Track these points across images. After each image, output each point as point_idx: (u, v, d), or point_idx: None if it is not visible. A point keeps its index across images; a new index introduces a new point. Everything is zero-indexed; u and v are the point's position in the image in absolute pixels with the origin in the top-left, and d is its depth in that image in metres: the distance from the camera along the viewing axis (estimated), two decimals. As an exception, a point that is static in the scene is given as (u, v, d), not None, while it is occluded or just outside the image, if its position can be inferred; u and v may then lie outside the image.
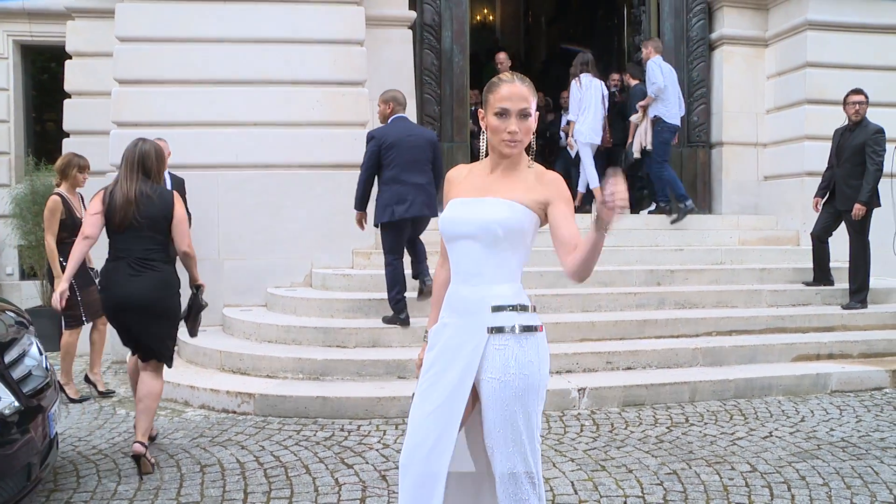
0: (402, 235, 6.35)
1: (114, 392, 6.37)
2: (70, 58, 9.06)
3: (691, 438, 5.02)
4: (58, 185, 6.28)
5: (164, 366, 4.72)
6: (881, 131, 7.41)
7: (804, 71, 8.87)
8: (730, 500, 3.99)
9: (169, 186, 6.14)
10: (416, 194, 6.20)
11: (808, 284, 7.77)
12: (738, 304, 7.44)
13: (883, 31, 8.94)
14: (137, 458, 4.37)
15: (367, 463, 4.56)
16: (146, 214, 4.48)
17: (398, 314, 6.40)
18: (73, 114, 8.97)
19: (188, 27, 7.66)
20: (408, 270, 6.54)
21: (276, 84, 7.52)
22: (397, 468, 4.35)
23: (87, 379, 6.40)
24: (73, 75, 9.00)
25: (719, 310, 7.31)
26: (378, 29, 8.52)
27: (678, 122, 8.87)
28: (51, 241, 6.00)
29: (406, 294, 6.43)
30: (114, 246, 4.57)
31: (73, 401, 6.07)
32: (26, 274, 9.62)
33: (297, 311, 6.98)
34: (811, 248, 7.83)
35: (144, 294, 4.46)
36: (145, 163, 4.56)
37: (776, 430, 5.22)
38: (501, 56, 8.94)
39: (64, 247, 5.84)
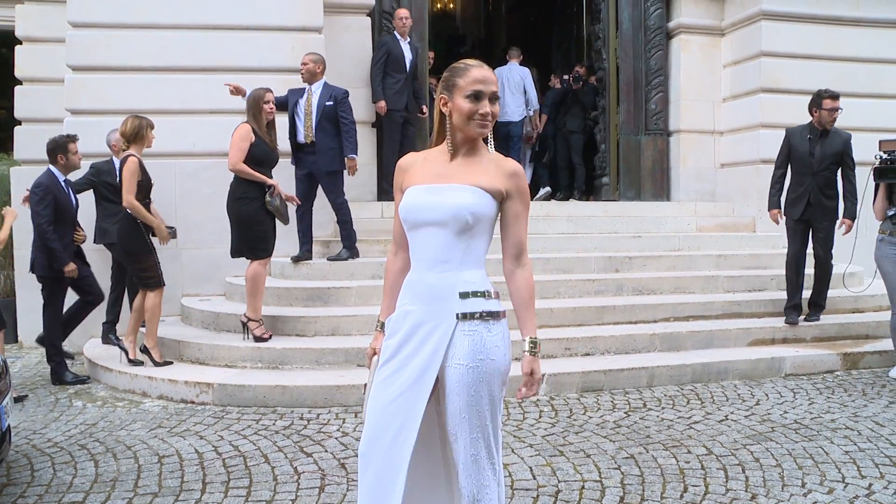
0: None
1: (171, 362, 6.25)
2: (20, 43, 8.87)
3: (649, 423, 5.07)
4: (125, 149, 6.14)
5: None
6: (850, 137, 6.95)
7: (759, 60, 8.99)
8: (686, 483, 4.05)
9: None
10: None
11: (790, 322, 6.97)
12: (695, 289, 7.52)
13: (833, 23, 9.10)
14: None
15: (327, 451, 4.55)
16: None
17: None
18: (24, 101, 8.81)
19: (143, 13, 7.52)
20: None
21: (233, 71, 7.39)
22: (356, 456, 4.34)
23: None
24: (24, 61, 8.83)
25: (677, 296, 7.39)
26: (337, 16, 8.46)
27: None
28: (131, 199, 5.93)
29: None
30: None
31: (157, 364, 6.07)
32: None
33: None
34: (784, 273, 7.11)
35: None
36: None
37: (732, 413, 5.30)
38: (402, 12, 8.76)
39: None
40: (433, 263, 2.50)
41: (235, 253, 6.25)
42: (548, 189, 10.49)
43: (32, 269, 6.38)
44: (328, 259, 7.32)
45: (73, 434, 4.98)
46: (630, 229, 8.68)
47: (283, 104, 7.01)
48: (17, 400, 5.73)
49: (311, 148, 7.03)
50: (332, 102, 7.00)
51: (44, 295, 6.38)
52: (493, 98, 2.49)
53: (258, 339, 6.14)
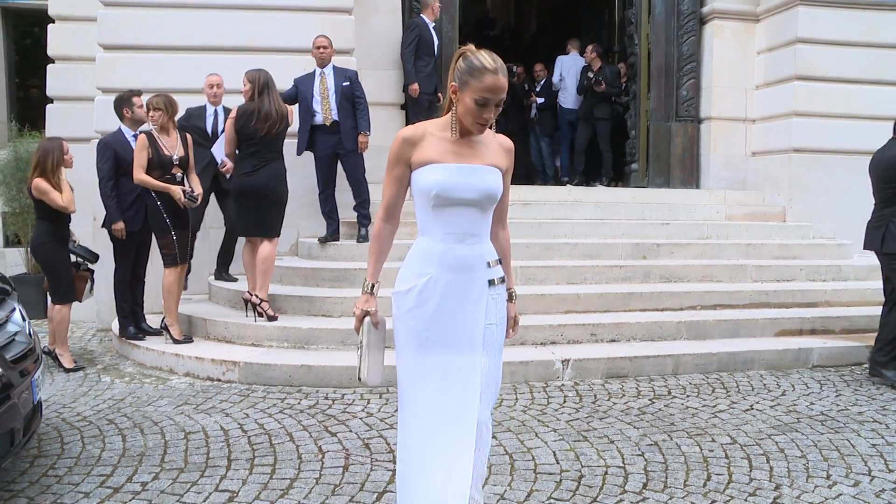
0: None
1: (190, 339, 6.34)
2: (53, 22, 8.94)
3: (673, 411, 5.07)
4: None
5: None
6: None
7: (794, 47, 8.85)
8: (710, 471, 4.05)
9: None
10: None
11: (876, 375, 5.87)
12: (723, 278, 7.48)
13: (872, 7, 8.88)
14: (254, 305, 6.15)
15: (351, 431, 4.59)
16: None
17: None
18: (56, 79, 8.88)
19: (173, -9, 7.57)
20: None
21: (261, 51, 7.44)
22: (380, 437, 4.43)
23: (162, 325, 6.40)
24: (57, 40, 8.90)
25: (704, 284, 7.35)
26: (366, -3, 8.46)
27: None
28: (140, 175, 6.05)
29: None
30: None
31: (176, 341, 6.19)
32: (10, 241, 9.56)
33: (282, 280, 6.97)
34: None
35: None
36: None
37: (757, 403, 5.28)
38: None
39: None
40: (464, 237, 2.72)
41: (257, 230, 6.36)
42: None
43: (104, 224, 6.48)
44: (358, 240, 7.40)
45: (101, 409, 5.07)
46: (658, 216, 8.62)
47: (292, 96, 7.21)
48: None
49: (333, 128, 7.19)
50: (348, 83, 7.18)
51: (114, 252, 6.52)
52: (499, 104, 2.66)
53: (271, 318, 6.24)
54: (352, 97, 7.19)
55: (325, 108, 7.18)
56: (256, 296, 6.25)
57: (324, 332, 6.09)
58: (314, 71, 7.27)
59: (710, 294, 7.07)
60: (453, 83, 2.66)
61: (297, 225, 7.63)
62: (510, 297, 2.93)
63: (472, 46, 2.71)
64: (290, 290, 6.78)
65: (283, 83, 6.99)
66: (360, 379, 2.86)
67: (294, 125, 6.96)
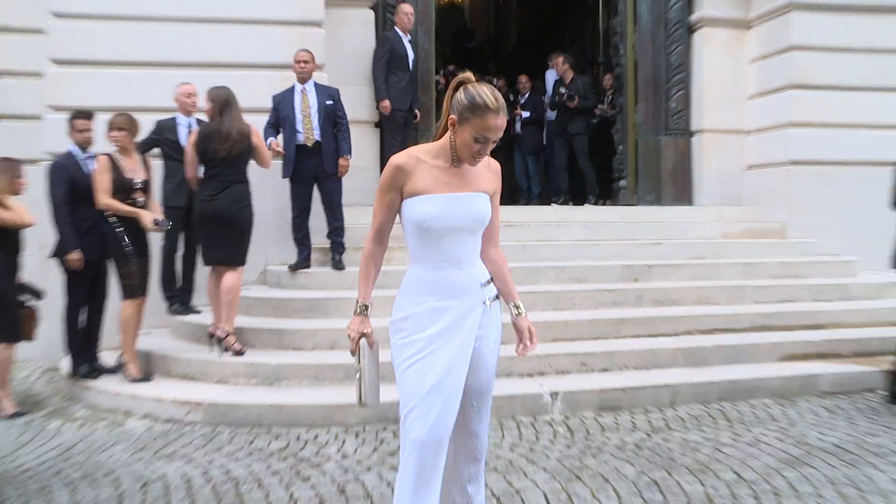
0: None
1: (149, 378, 6.15)
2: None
3: (672, 445, 4.93)
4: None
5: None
6: None
7: (789, 54, 8.83)
8: (715, 511, 3.90)
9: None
10: None
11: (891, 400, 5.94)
12: (720, 300, 7.38)
13: (871, 11, 8.87)
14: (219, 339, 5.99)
15: (325, 475, 4.43)
16: None
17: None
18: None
19: (133, 3, 7.49)
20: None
21: (227, 67, 7.34)
22: (357, 480, 4.27)
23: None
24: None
25: (701, 307, 7.24)
26: (337, 9, 8.43)
27: None
28: (104, 199, 5.94)
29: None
30: None
31: (134, 380, 6.04)
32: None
33: (250, 312, 6.82)
34: None
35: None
36: None
37: (763, 434, 5.14)
38: (406, 7, 8.70)
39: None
40: (458, 262, 2.91)
41: (220, 258, 6.20)
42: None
43: (55, 254, 6.25)
44: (333, 267, 7.28)
45: (47, 459, 4.85)
46: (650, 236, 8.53)
47: (273, 125, 7.20)
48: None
49: (315, 149, 7.11)
50: (331, 102, 7.14)
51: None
52: (496, 141, 2.84)
53: (238, 353, 6.08)
54: (334, 117, 7.15)
55: (307, 128, 7.11)
56: (222, 329, 6.10)
57: (295, 367, 5.96)
58: (293, 87, 7.17)
59: (707, 318, 6.96)
60: (452, 116, 2.83)
61: (265, 252, 7.49)
62: (518, 310, 3.11)
63: (470, 75, 2.87)
64: (259, 322, 6.65)
65: (251, 100, 6.86)
66: (360, 403, 2.95)
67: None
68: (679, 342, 6.57)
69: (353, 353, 2.93)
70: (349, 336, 2.93)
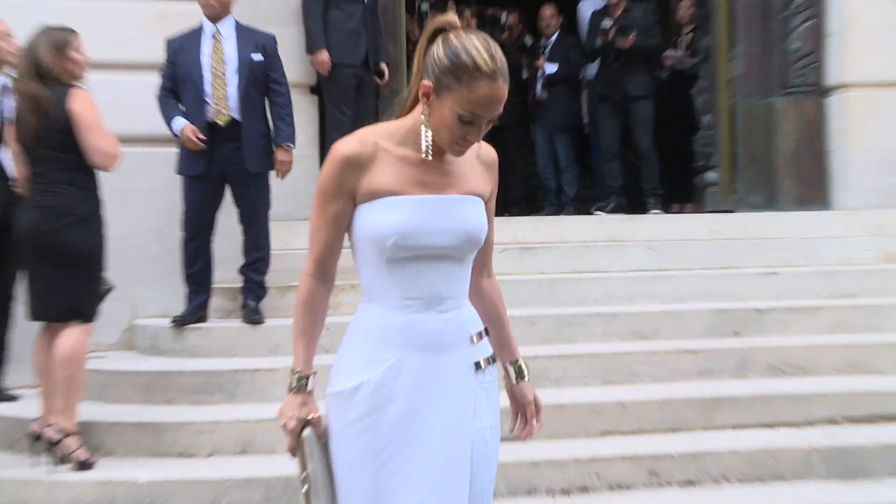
0: None
1: None
2: None
3: None
4: None
5: None
6: None
7: None
8: None
9: None
10: None
11: None
12: (884, 368, 5.65)
13: None
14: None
15: None
16: None
17: None
18: None
19: None
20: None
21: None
22: None
23: None
24: None
25: (850, 378, 5.56)
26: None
27: None
28: None
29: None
30: None
31: None
32: None
33: (105, 395, 5.28)
34: None
35: None
36: None
37: None
38: None
39: None
40: (434, 302, 2.25)
41: (44, 310, 4.77)
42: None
43: None
44: (245, 319, 5.66)
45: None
46: (759, 262, 6.74)
47: (170, 87, 5.67)
48: None
49: (229, 133, 5.53)
50: (260, 56, 5.60)
51: None
52: (491, 120, 2.21)
53: (83, 465, 4.60)
54: (265, 82, 5.60)
55: (219, 96, 5.50)
56: (55, 426, 4.67)
57: (182, 486, 4.57)
58: (199, 29, 5.63)
59: (861, 397, 5.28)
60: (426, 82, 2.14)
61: (130, 296, 5.90)
62: (520, 374, 2.45)
63: (454, 19, 2.14)
64: (121, 411, 5.18)
65: (109, 46, 5.63)
66: None
67: None
68: (814, 437, 5.07)
69: (292, 454, 2.23)
70: (284, 427, 2.22)
